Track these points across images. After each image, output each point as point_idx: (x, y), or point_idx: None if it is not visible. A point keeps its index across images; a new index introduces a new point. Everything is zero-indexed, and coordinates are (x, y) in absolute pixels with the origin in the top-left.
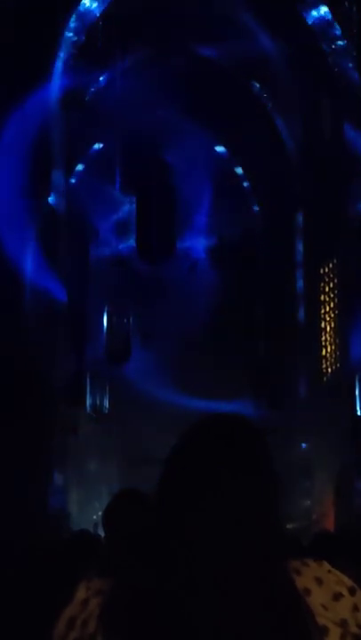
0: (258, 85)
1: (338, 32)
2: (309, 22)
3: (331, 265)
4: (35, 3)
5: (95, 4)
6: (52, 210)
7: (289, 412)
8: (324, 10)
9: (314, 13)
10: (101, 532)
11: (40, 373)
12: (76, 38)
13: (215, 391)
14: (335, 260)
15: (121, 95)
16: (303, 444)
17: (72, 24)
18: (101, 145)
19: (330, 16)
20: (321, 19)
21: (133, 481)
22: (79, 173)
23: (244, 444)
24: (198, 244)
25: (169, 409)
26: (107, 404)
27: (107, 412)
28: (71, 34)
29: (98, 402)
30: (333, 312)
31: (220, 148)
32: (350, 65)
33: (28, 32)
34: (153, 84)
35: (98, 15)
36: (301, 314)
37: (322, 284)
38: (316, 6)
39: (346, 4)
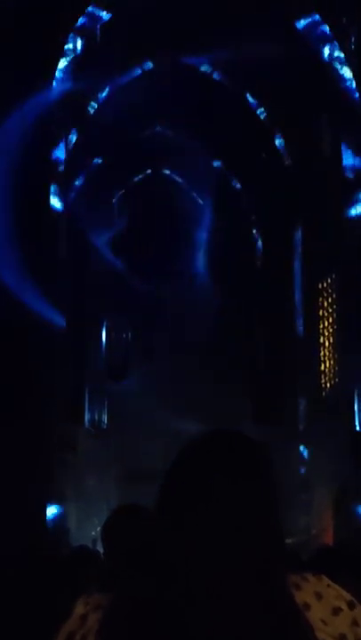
0: (256, 100)
1: (336, 47)
2: (308, 38)
3: (329, 280)
4: (34, 15)
5: (94, 19)
6: (50, 223)
7: (288, 426)
8: (321, 25)
9: (312, 29)
10: (100, 548)
11: (39, 389)
12: (75, 52)
13: (214, 406)
14: (334, 276)
15: (120, 110)
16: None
17: (71, 37)
18: (100, 160)
19: (328, 31)
20: (319, 34)
21: (132, 496)
22: (78, 188)
23: (243, 456)
24: (197, 259)
25: (168, 424)
26: (105, 419)
27: (105, 427)
28: (71, 47)
29: (96, 417)
30: (332, 327)
31: (217, 163)
32: (348, 80)
33: (27, 46)
34: (151, 98)
35: (97, 30)
36: (300, 329)
37: (320, 300)
38: (313, 22)
39: (343, 19)
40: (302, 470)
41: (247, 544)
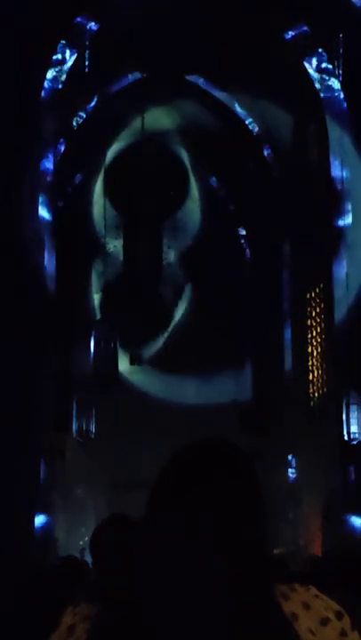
0: (244, 111)
1: (324, 58)
2: (295, 49)
3: (317, 289)
4: (22, 26)
5: (83, 30)
6: (39, 234)
7: (276, 436)
8: (309, 36)
9: (299, 40)
10: (88, 558)
11: (26, 398)
12: (63, 62)
13: (202, 416)
14: (321, 285)
15: (109, 120)
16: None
17: (59, 48)
18: (88, 171)
19: (316, 42)
20: (307, 45)
21: (120, 505)
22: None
23: (229, 465)
24: (186, 269)
25: (156, 433)
26: (93, 428)
27: (93, 436)
28: (59, 57)
29: (84, 427)
30: (320, 336)
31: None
32: (336, 91)
33: (15, 55)
34: (139, 108)
35: (86, 40)
36: (288, 338)
37: (309, 309)
38: (301, 33)
39: (331, 30)
40: (290, 480)
41: (234, 556)
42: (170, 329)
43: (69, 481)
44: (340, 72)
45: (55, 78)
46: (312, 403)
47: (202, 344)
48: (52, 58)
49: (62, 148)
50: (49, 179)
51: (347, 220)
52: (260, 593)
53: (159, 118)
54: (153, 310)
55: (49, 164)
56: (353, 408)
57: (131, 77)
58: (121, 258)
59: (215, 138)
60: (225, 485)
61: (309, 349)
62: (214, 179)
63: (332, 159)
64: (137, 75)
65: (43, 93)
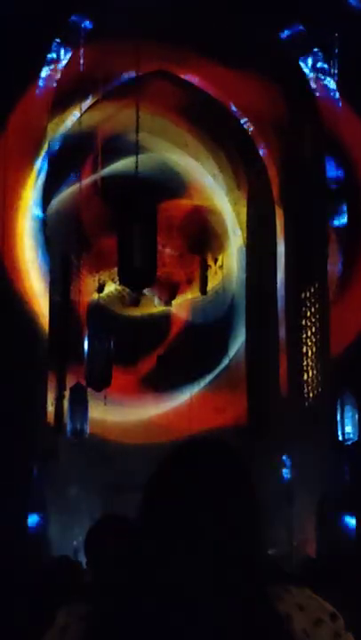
0: (238, 109)
1: (319, 56)
2: (290, 46)
3: (312, 289)
4: (16, 26)
5: (78, 28)
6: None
7: (271, 437)
8: (304, 34)
9: (295, 39)
10: (82, 558)
11: (19, 398)
12: (58, 61)
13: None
14: (316, 285)
15: (100, 120)
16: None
17: (54, 46)
18: (79, 171)
19: (311, 40)
20: (302, 43)
21: (114, 505)
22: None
23: (224, 466)
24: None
25: (150, 433)
26: (87, 429)
27: (87, 437)
28: (54, 56)
29: (78, 427)
30: (315, 337)
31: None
32: (332, 91)
33: (8, 55)
34: (132, 106)
35: (80, 39)
36: (283, 338)
37: (303, 309)
38: (296, 30)
39: (326, 27)
40: (284, 480)
41: (227, 559)
42: (167, 328)
43: (63, 481)
44: (336, 71)
45: (50, 77)
46: (307, 403)
47: (197, 343)
48: (46, 56)
49: (56, 146)
50: (42, 176)
51: (342, 220)
52: (255, 594)
53: (154, 116)
54: (148, 311)
55: (43, 163)
56: (347, 408)
57: (125, 76)
58: (115, 257)
59: (210, 136)
60: (220, 486)
61: (304, 350)
62: (211, 176)
63: (327, 159)
64: (131, 73)
65: (37, 92)
